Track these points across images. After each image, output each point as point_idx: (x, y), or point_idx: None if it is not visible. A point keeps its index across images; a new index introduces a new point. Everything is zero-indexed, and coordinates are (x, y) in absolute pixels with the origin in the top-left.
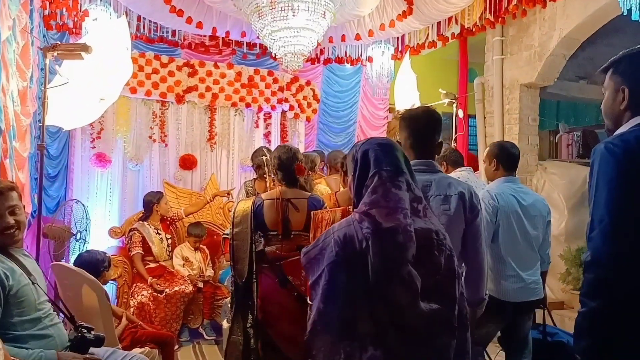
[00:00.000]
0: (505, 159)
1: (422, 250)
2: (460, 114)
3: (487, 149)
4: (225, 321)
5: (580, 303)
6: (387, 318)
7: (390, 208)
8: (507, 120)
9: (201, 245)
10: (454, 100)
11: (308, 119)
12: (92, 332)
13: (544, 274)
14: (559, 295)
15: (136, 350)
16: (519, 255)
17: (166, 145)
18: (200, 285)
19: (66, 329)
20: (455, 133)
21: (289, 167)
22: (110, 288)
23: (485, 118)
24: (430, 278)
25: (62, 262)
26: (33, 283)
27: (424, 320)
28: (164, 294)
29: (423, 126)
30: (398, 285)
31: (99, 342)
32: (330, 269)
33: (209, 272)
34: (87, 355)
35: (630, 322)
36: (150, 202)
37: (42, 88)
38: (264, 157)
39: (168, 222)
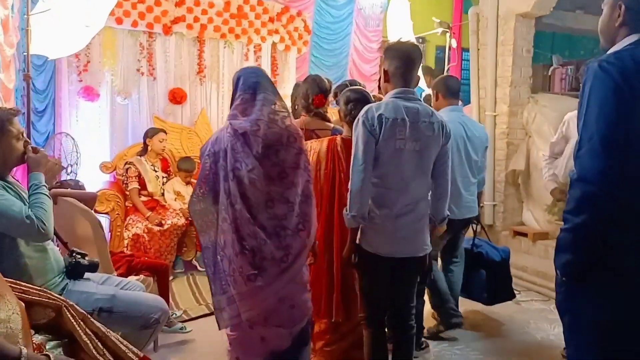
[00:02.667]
0: (445, 89)
1: (270, 148)
2: (454, 43)
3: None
4: None
5: (564, 220)
6: (236, 191)
7: (244, 119)
8: (500, 52)
9: (192, 180)
10: (447, 30)
11: (299, 51)
12: (87, 258)
13: (479, 195)
14: (544, 226)
15: (132, 278)
16: (463, 178)
17: (154, 78)
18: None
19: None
20: (448, 64)
21: (308, 97)
22: (102, 222)
23: (478, 50)
24: (275, 167)
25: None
26: None
27: (262, 194)
28: (164, 226)
29: (411, 58)
30: (243, 169)
31: (93, 267)
32: (204, 160)
33: None
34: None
35: (612, 239)
36: (145, 137)
37: (25, 16)
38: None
39: (167, 162)
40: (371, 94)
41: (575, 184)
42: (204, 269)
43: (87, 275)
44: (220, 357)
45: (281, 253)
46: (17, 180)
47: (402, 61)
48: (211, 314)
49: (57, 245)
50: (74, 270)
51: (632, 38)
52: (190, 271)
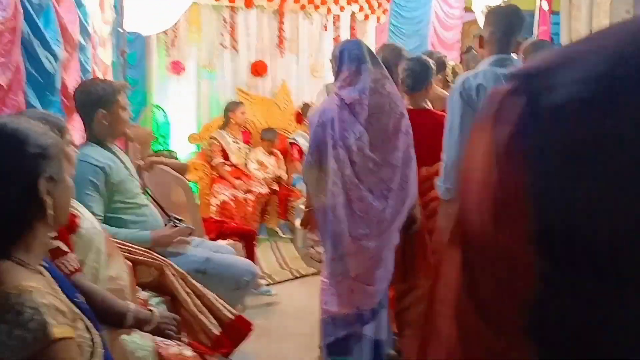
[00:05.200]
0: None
1: (373, 116)
2: (545, 5)
3: None
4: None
5: None
6: (345, 157)
7: (351, 89)
8: (595, 13)
9: (274, 150)
10: None
11: (378, 20)
12: (183, 222)
13: None
14: None
15: (221, 242)
16: None
17: (237, 51)
18: (275, 187)
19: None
20: (538, 28)
21: (390, 67)
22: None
23: (570, 12)
24: (380, 133)
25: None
26: (131, 175)
27: (368, 159)
28: (249, 195)
29: (506, 22)
30: (351, 137)
31: (188, 231)
32: (314, 130)
33: (282, 174)
34: (176, 227)
35: None
36: (227, 111)
37: None
38: None
39: (249, 133)
40: (451, 64)
41: None
42: (286, 236)
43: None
44: (303, 318)
45: (386, 215)
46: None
47: (496, 26)
48: (294, 278)
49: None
50: None
51: None
52: (274, 238)
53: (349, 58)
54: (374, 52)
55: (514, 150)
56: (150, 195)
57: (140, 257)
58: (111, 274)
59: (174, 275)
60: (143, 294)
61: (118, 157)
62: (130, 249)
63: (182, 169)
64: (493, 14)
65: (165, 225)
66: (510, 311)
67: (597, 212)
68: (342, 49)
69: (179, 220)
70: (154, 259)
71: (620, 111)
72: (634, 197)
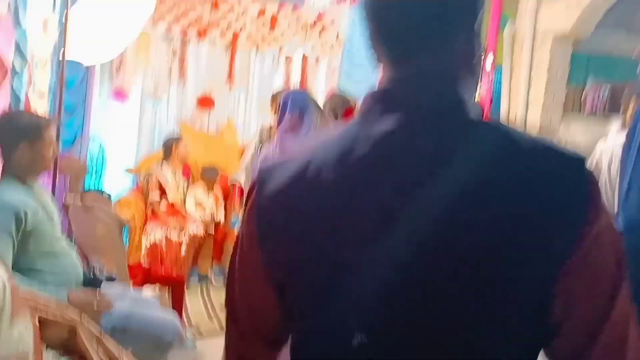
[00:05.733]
0: None
1: None
2: (488, 67)
3: None
4: None
5: None
6: None
7: (293, 135)
8: (534, 74)
9: (214, 189)
10: (482, 53)
11: (329, 62)
12: (104, 271)
13: None
14: None
15: (147, 290)
16: None
17: (185, 83)
18: (211, 229)
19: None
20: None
21: (338, 113)
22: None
23: (512, 70)
24: None
25: (77, 198)
26: (49, 217)
27: None
28: (182, 236)
29: None
30: None
31: (110, 280)
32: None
33: (220, 216)
34: (99, 291)
35: None
36: (170, 145)
37: (63, 19)
38: None
39: (189, 168)
40: None
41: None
42: (218, 283)
43: (102, 287)
44: None
45: None
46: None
47: None
48: (222, 331)
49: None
50: (91, 283)
51: None
52: (205, 283)
53: (292, 105)
54: (324, 97)
55: (251, 216)
56: (71, 240)
57: (50, 318)
58: (13, 336)
59: (87, 338)
60: (49, 356)
61: (37, 197)
62: (42, 302)
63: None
64: None
65: (85, 274)
66: (255, 326)
67: (289, 250)
68: (287, 97)
69: (100, 268)
70: (66, 318)
71: (298, 198)
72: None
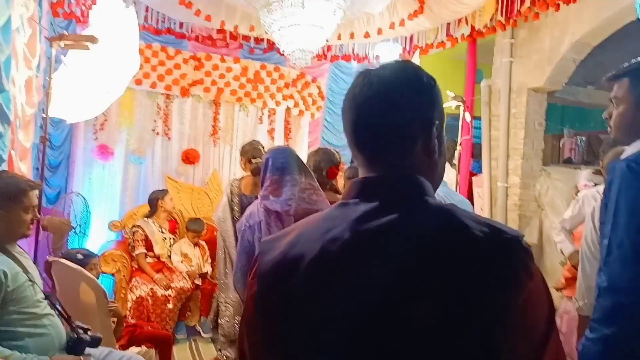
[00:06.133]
0: None
1: None
2: (467, 117)
3: None
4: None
5: (591, 329)
6: None
7: (274, 200)
8: (512, 124)
9: (200, 241)
10: (461, 103)
11: (312, 116)
12: (89, 333)
13: None
14: (557, 302)
15: (133, 349)
16: None
17: (169, 138)
18: (199, 282)
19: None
20: (461, 137)
21: (322, 169)
22: (108, 282)
23: (490, 121)
24: None
25: (60, 259)
26: (30, 280)
27: None
28: (169, 290)
29: None
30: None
31: (95, 342)
32: (241, 234)
33: (207, 268)
34: (82, 357)
35: None
36: (155, 199)
37: (47, 78)
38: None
39: (175, 223)
40: None
41: (604, 292)
42: (207, 335)
43: (88, 350)
44: None
45: None
46: (24, 250)
47: None
48: None
49: (60, 318)
50: (75, 346)
51: None
52: (193, 337)
53: (272, 167)
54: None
55: (253, 282)
56: (52, 303)
57: None
58: None
59: None
60: None
61: (17, 261)
62: None
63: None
64: None
65: (69, 337)
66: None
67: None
68: (268, 157)
69: (85, 330)
70: None
71: (283, 273)
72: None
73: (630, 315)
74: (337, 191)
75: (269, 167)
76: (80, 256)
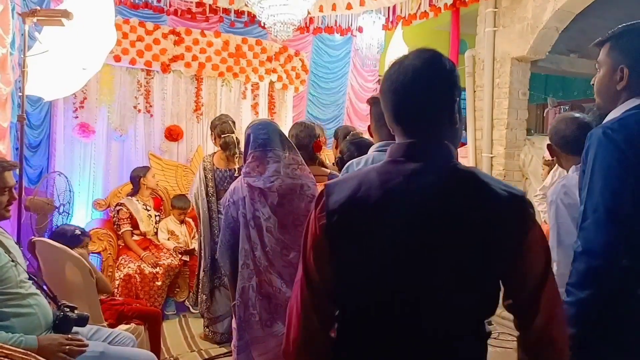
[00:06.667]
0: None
1: (284, 198)
2: None
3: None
4: None
5: (567, 292)
6: (256, 238)
7: (256, 177)
8: (496, 94)
9: (186, 218)
10: None
11: (296, 90)
12: (76, 311)
13: None
14: None
15: (122, 327)
16: None
17: (151, 115)
18: (186, 258)
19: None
20: None
21: (307, 144)
22: (94, 261)
23: (474, 92)
24: (289, 215)
25: (44, 239)
26: (13, 261)
27: (278, 242)
28: (157, 268)
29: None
30: (262, 217)
31: (82, 321)
32: (225, 210)
33: (194, 244)
34: (69, 336)
35: (616, 313)
36: (137, 177)
37: (22, 56)
38: (233, 136)
39: (160, 200)
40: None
41: (579, 256)
42: (196, 311)
43: (75, 329)
44: None
45: None
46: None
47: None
48: None
49: (46, 297)
50: (62, 325)
51: (635, 101)
52: (183, 313)
53: (254, 142)
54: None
55: (321, 215)
56: (37, 283)
57: None
58: None
59: None
60: None
61: None
62: (6, 352)
63: (105, 289)
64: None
65: (55, 316)
66: (322, 287)
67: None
68: (249, 133)
69: (71, 308)
70: None
71: (353, 209)
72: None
73: (604, 278)
74: (323, 165)
75: (251, 143)
76: (78, 232)
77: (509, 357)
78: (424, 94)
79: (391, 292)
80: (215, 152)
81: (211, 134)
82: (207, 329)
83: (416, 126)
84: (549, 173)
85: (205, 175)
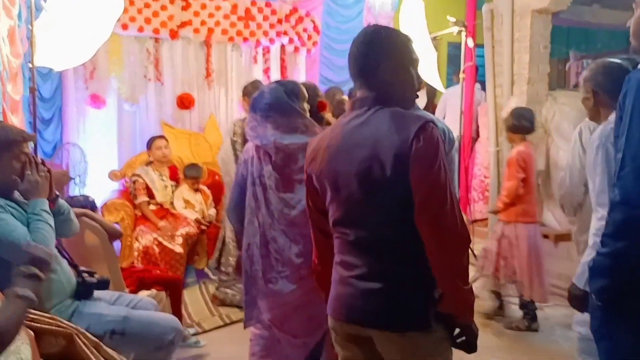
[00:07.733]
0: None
1: (291, 157)
2: (470, 43)
3: None
4: None
5: (602, 243)
6: (262, 196)
7: (257, 139)
8: (516, 49)
9: (201, 187)
10: (462, 29)
11: (308, 52)
12: (95, 275)
13: None
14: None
15: (143, 293)
16: None
17: (162, 84)
18: (204, 226)
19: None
20: (464, 64)
21: (311, 105)
22: None
23: (493, 47)
24: (295, 174)
25: None
26: None
27: (281, 200)
28: (175, 239)
29: None
30: (266, 175)
31: (103, 285)
32: (237, 168)
33: (211, 212)
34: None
35: None
36: (147, 148)
37: (29, 27)
38: None
39: (176, 169)
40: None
41: (617, 206)
42: (216, 277)
43: (97, 294)
44: None
45: (300, 260)
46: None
47: None
48: (224, 325)
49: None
50: (83, 290)
51: None
52: (203, 279)
53: (257, 108)
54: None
55: (306, 160)
56: (58, 249)
57: (45, 326)
58: (10, 348)
59: (85, 344)
60: None
61: (17, 210)
62: (32, 316)
63: (114, 233)
64: None
65: (76, 281)
66: (318, 209)
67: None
68: (254, 98)
69: (90, 273)
70: (61, 326)
71: (314, 156)
72: None
73: None
74: (329, 125)
75: (254, 107)
76: (91, 198)
77: (523, 340)
78: (362, 58)
79: (339, 202)
80: (246, 117)
81: (244, 100)
82: (219, 290)
83: (362, 82)
84: None
85: (234, 140)
